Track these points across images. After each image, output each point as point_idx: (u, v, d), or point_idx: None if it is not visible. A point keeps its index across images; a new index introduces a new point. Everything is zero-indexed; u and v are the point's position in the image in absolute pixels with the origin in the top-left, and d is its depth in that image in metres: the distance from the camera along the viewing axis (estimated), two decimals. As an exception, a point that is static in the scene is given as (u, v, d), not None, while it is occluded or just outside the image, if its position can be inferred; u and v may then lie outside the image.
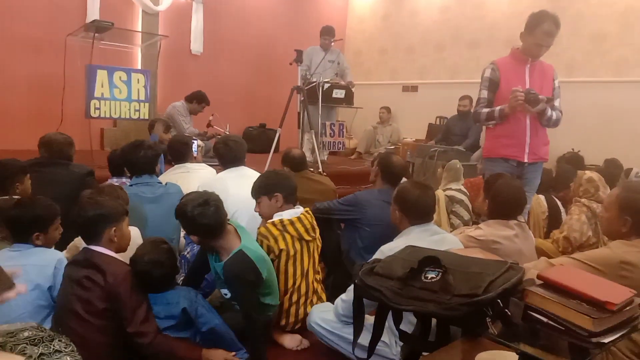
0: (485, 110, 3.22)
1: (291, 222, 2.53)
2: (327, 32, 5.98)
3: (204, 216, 2.16)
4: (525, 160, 3.19)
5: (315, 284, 2.63)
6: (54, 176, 3.00)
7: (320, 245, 2.70)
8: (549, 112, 3.14)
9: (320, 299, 2.63)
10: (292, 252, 2.49)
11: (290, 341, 2.50)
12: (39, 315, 2.06)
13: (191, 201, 2.19)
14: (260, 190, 2.62)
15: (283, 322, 2.53)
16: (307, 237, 2.54)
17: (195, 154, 4.18)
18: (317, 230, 2.68)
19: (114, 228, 2.09)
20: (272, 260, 2.45)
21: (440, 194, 3.67)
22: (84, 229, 2.09)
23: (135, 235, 2.43)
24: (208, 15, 7.13)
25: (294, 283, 2.51)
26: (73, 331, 1.88)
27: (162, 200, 2.81)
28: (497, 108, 3.15)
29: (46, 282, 2.09)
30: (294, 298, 2.52)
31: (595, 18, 5.90)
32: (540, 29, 3.06)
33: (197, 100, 5.61)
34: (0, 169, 2.66)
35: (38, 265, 2.11)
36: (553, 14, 3.07)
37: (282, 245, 2.47)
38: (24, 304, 2.02)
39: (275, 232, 2.49)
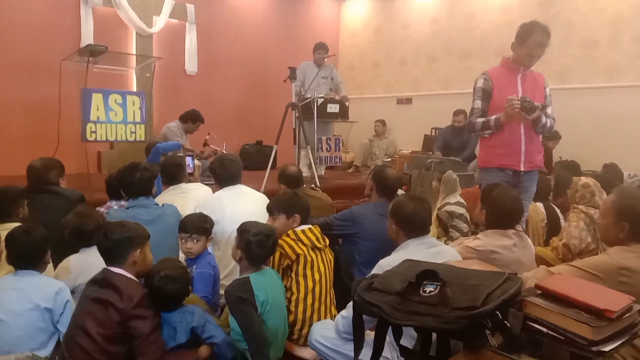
0: (480, 120, 3.23)
1: (303, 232, 2.62)
2: (321, 47, 6.03)
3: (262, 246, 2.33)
4: (522, 169, 3.20)
5: (330, 296, 2.67)
6: (45, 203, 3.00)
7: (332, 260, 2.74)
8: (544, 119, 3.16)
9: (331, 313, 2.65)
10: (309, 258, 2.55)
11: (311, 353, 2.46)
12: (38, 337, 2.07)
13: (253, 228, 2.34)
14: (280, 208, 2.72)
15: (305, 331, 2.51)
16: (319, 245, 2.62)
17: (190, 170, 4.21)
18: (327, 241, 2.73)
19: (138, 250, 2.12)
20: (289, 266, 2.52)
21: (439, 214, 3.69)
22: (109, 250, 2.11)
23: None
24: (201, 35, 7.19)
25: (313, 287, 2.54)
26: (81, 348, 1.90)
27: (159, 221, 2.81)
28: (493, 117, 3.16)
29: (45, 303, 2.10)
30: (309, 301, 2.54)
31: (586, 25, 5.96)
32: (531, 40, 3.08)
33: (192, 119, 5.64)
34: (2, 195, 2.67)
35: (38, 287, 2.13)
36: (544, 25, 3.10)
37: (298, 251, 2.54)
38: (23, 325, 2.04)
39: (290, 241, 2.56)
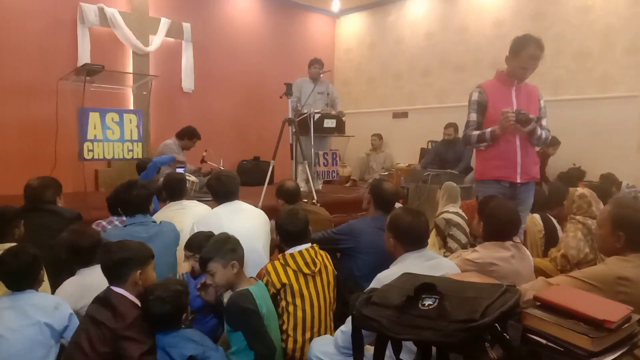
0: (476, 132, 3.25)
1: (292, 255, 2.52)
2: (316, 62, 6.08)
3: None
4: (518, 181, 3.21)
5: (327, 320, 2.56)
6: (41, 222, 3.00)
7: (331, 281, 2.62)
8: (539, 131, 3.18)
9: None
10: (296, 287, 2.45)
11: None
12: (37, 352, 2.06)
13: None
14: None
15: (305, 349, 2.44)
16: (305, 270, 2.48)
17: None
18: (326, 263, 2.61)
19: (139, 271, 2.11)
20: (274, 295, 2.43)
21: (437, 221, 3.69)
22: (109, 271, 2.11)
23: None
24: (198, 53, 7.26)
25: (303, 318, 2.45)
26: None
27: (157, 239, 2.80)
28: (488, 130, 3.18)
29: (45, 318, 2.10)
30: (299, 332, 2.46)
31: (577, 37, 6.04)
32: (525, 53, 3.11)
33: (188, 136, 5.64)
34: None
35: (36, 304, 2.13)
36: (537, 38, 3.13)
37: (284, 280, 2.44)
38: (22, 340, 2.04)
39: (278, 267, 2.49)
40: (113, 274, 2.10)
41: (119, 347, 1.95)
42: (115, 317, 1.97)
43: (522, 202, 3.26)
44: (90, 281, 2.32)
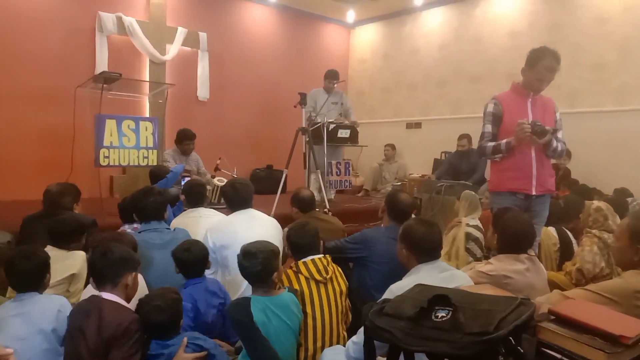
0: (491, 144, 3.24)
1: (304, 263, 2.54)
2: (332, 76, 6.09)
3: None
4: (533, 193, 3.18)
5: (339, 328, 2.56)
6: None
7: (343, 290, 2.62)
8: (555, 143, 3.16)
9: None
10: (307, 294, 2.46)
11: None
12: (45, 359, 2.06)
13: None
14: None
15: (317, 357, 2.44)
16: (318, 277, 2.50)
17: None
18: (336, 273, 2.61)
19: (133, 274, 2.12)
20: None
21: (462, 228, 3.64)
22: (105, 270, 2.06)
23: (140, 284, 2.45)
24: (213, 62, 7.33)
25: (314, 326, 2.45)
26: None
27: (171, 246, 2.79)
28: (504, 141, 3.16)
29: (49, 325, 2.09)
30: (310, 341, 2.45)
31: (594, 48, 5.98)
32: (541, 65, 3.10)
33: (179, 139, 5.54)
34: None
35: (40, 310, 2.13)
36: (553, 50, 3.12)
37: (295, 286, 2.46)
38: (29, 349, 2.03)
39: (291, 275, 2.50)
40: (108, 274, 2.06)
41: (111, 350, 1.90)
42: (108, 322, 1.92)
43: (537, 215, 3.23)
44: None
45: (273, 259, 2.29)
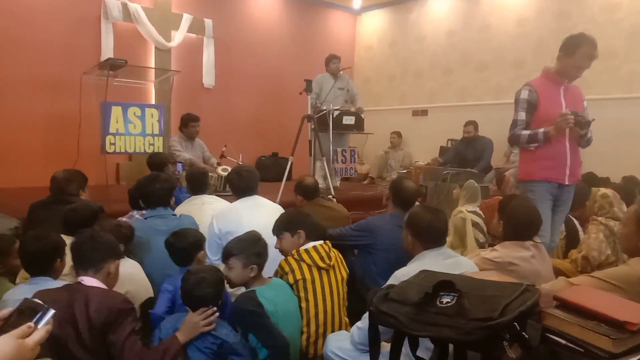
0: (526, 132, 3.17)
1: (306, 251, 2.53)
2: (334, 57, 6.06)
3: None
4: (566, 182, 3.17)
5: (341, 314, 2.57)
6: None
7: (345, 276, 2.64)
8: (589, 133, 3.15)
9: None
10: (309, 279, 2.46)
11: None
12: None
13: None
14: (283, 227, 2.67)
15: (319, 343, 2.45)
16: (321, 264, 2.50)
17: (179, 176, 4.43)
18: (338, 260, 2.62)
19: (116, 262, 2.11)
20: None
21: (465, 215, 3.64)
22: (90, 253, 2.03)
23: (137, 270, 2.52)
24: (219, 49, 7.31)
25: (316, 313, 2.45)
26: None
27: (176, 232, 2.83)
28: (541, 130, 3.10)
29: None
30: (312, 328, 2.47)
31: (603, 36, 5.88)
32: (580, 52, 3.05)
33: (183, 124, 5.49)
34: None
35: None
36: (591, 37, 3.07)
37: (298, 276, 2.45)
38: None
39: (293, 263, 2.49)
40: (93, 258, 2.02)
41: (107, 335, 1.86)
42: (96, 307, 1.85)
43: (564, 203, 3.27)
44: (129, 270, 2.41)
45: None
